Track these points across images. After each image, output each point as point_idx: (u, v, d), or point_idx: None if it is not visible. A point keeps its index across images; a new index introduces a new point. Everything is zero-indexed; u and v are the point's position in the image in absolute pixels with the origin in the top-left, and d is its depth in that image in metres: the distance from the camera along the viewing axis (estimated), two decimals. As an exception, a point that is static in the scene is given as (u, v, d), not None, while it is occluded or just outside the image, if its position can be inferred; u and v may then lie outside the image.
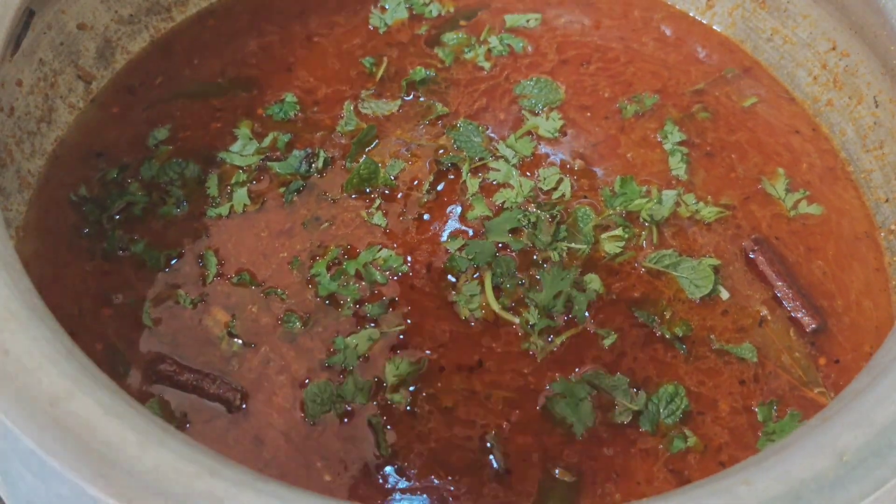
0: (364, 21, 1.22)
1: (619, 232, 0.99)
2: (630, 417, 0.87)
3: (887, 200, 1.04)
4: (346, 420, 0.86)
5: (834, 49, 1.11)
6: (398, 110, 1.11)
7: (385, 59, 1.17)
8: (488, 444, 0.86)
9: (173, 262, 0.96)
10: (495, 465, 0.85)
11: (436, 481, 0.83)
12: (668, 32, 1.22)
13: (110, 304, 0.93)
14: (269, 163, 1.05)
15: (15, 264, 0.65)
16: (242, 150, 1.06)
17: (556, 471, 0.84)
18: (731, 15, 1.22)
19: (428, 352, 0.91)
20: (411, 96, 1.13)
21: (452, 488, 0.83)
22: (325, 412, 0.86)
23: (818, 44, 1.13)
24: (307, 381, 0.88)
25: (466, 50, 1.18)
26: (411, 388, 0.88)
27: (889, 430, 0.62)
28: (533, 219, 0.99)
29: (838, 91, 1.11)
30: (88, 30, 1.10)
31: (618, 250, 0.98)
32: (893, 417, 0.62)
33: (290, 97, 1.11)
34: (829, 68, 1.12)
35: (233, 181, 1.03)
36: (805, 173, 1.09)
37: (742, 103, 1.15)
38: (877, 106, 1.05)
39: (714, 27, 1.24)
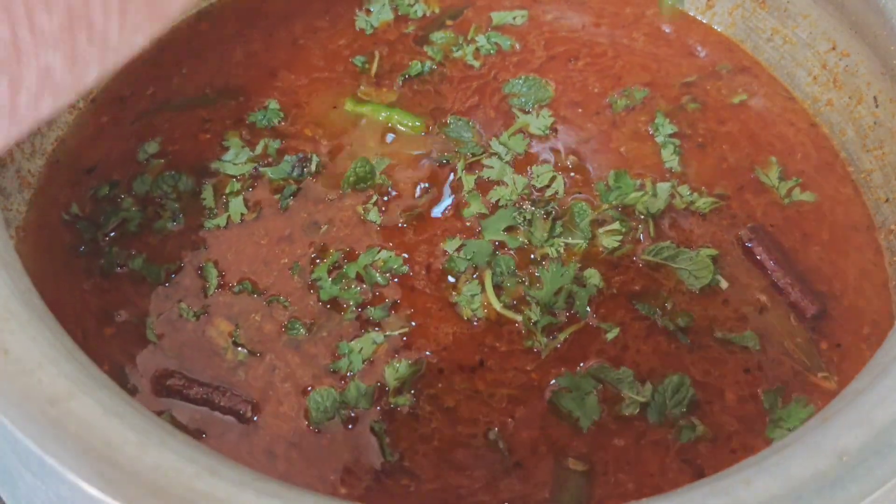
0: (350, 24, 1.20)
1: (616, 226, 0.99)
2: (637, 409, 0.87)
3: (887, 200, 1.03)
4: (350, 426, 0.86)
5: (834, 49, 1.11)
6: (390, 106, 1.10)
7: (377, 53, 1.16)
8: (492, 439, 0.85)
9: (173, 275, 0.96)
10: (503, 458, 0.84)
11: (448, 481, 0.83)
12: (667, 30, 1.22)
13: (112, 323, 0.93)
14: (262, 169, 1.04)
15: (15, 264, 0.65)
16: (235, 159, 1.05)
17: (568, 460, 0.84)
18: (731, 14, 1.21)
19: (428, 353, 0.90)
20: (405, 89, 1.13)
21: (466, 485, 0.82)
22: (329, 419, 0.86)
23: (818, 44, 1.13)
24: (310, 388, 0.88)
25: (454, 49, 1.18)
26: (413, 391, 0.88)
27: (889, 430, 0.62)
28: (528, 216, 0.99)
29: (838, 91, 1.10)
30: (89, 29, 1.10)
31: (616, 244, 0.98)
32: (893, 417, 0.62)
33: (273, 104, 1.09)
34: (829, 68, 1.11)
35: (227, 191, 1.02)
36: (799, 163, 1.09)
37: (731, 99, 1.14)
38: (877, 106, 1.05)
39: (714, 26, 1.23)
